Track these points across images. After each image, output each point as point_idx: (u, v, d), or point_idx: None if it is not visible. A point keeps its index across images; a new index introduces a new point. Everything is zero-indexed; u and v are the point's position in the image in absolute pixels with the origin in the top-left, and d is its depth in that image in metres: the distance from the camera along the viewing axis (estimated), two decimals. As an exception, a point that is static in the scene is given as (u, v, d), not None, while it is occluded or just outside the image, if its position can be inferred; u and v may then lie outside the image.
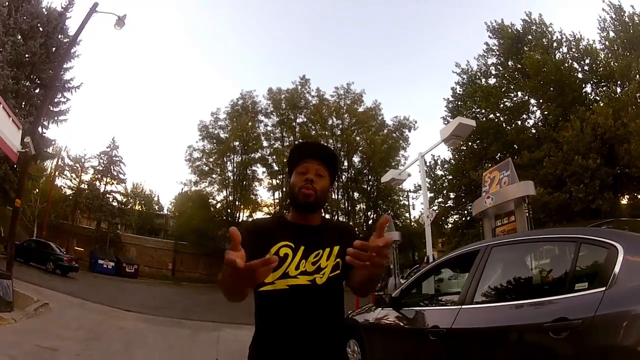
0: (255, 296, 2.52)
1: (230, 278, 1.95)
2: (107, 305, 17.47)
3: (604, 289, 3.45)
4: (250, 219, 53.81)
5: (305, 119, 62.48)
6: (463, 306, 4.99)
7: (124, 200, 63.39)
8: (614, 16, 38.26)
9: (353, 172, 61.28)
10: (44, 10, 36.55)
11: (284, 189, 57.35)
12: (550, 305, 3.90)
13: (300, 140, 53.80)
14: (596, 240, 3.89)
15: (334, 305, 2.52)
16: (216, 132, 61.48)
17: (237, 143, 59.64)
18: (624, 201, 38.55)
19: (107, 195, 58.22)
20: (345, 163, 60.77)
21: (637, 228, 4.35)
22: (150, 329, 13.51)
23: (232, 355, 9.75)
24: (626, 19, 37.07)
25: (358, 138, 60.29)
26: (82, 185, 57.47)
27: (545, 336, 3.69)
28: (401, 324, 6.12)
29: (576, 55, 40.87)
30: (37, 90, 35.26)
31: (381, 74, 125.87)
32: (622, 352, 3.20)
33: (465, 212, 42.68)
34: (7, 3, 30.84)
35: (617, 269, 3.47)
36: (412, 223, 58.74)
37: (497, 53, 46.69)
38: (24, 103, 33.03)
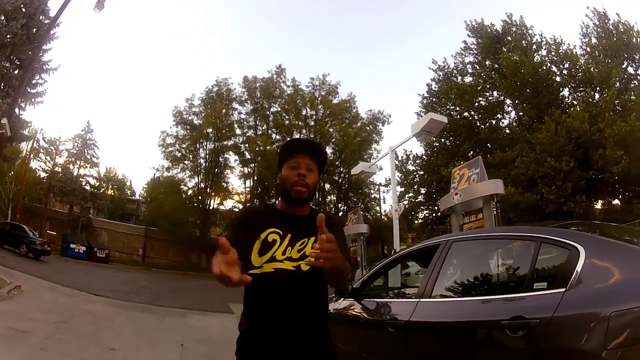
0: None
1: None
2: (78, 289, 17.46)
3: (563, 289, 3.39)
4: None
5: (279, 109, 62.92)
6: (422, 299, 4.99)
7: (97, 184, 63.45)
8: (597, 23, 38.79)
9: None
10: (27, -10, 36.11)
11: (255, 178, 58.91)
12: (508, 303, 3.87)
13: (273, 130, 58.69)
14: (557, 240, 3.86)
15: (318, 291, 2.71)
16: (190, 118, 61.83)
17: (210, 130, 59.85)
18: (598, 205, 39.14)
19: (80, 179, 58.37)
20: (317, 154, 60.61)
21: (606, 232, 4.41)
22: (119, 313, 13.61)
23: (197, 341, 9.84)
24: (610, 27, 37.51)
25: (331, 130, 60.56)
26: (56, 169, 57.33)
27: (502, 334, 3.66)
28: (362, 314, 6.12)
29: (555, 58, 41.12)
30: (16, 72, 35.20)
31: (358, 67, 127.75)
32: (580, 355, 3.14)
33: (436, 207, 42.11)
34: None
35: (578, 270, 3.41)
36: (383, 217, 58.89)
37: (475, 52, 47.12)
38: (2, 84, 32.81)
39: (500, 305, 3.97)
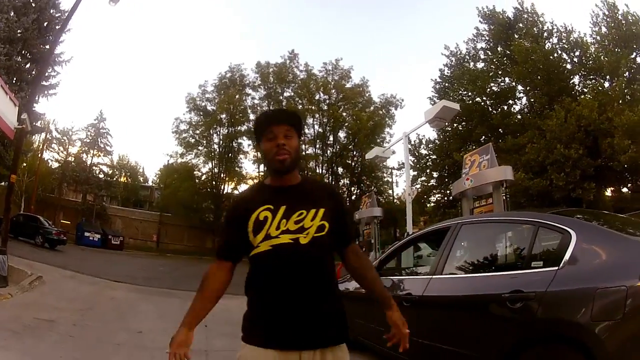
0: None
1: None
2: (98, 276, 17.73)
3: (557, 268, 4.05)
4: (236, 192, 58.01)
5: (292, 93, 63.26)
6: (434, 276, 5.73)
7: (110, 172, 63.83)
8: (607, 13, 38.73)
9: (338, 147, 62.31)
10: (37, -15, 36.08)
11: None
12: (509, 279, 4.56)
13: None
14: (553, 225, 4.55)
15: (321, 265, 2.57)
16: (203, 104, 62.23)
17: (223, 116, 60.32)
18: (608, 193, 39.54)
19: (94, 168, 58.79)
20: (331, 138, 62.05)
21: (598, 219, 5.16)
22: (141, 298, 13.84)
23: (220, 323, 10.09)
24: (619, 17, 37.60)
25: (344, 114, 60.92)
26: (69, 158, 57.63)
27: (503, 305, 4.33)
28: None
29: (566, 46, 41.11)
30: (27, 65, 35.43)
31: (371, 52, 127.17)
32: (570, 325, 3.78)
33: (448, 191, 43.45)
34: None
35: (569, 252, 4.07)
36: (395, 200, 59.65)
37: (487, 38, 47.11)
38: (15, 79, 32.88)
39: (502, 281, 4.67)
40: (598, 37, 39.53)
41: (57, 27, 35.51)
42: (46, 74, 36.17)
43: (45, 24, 36.92)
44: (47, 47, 35.14)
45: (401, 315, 2.84)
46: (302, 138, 57.18)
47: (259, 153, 59.73)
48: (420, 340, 5.40)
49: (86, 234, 41.89)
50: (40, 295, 11.82)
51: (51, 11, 37.54)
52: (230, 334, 9.57)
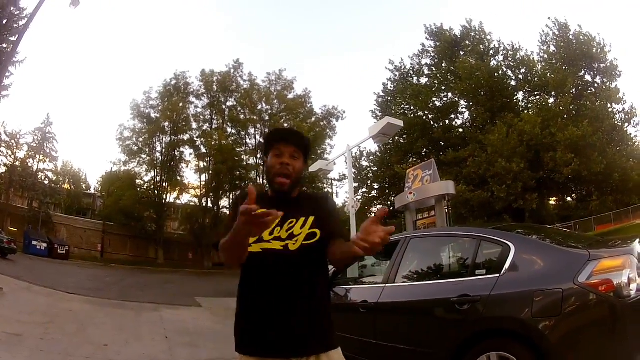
0: None
1: (236, 232, 2.12)
2: (51, 288, 17.61)
3: (498, 275, 4.72)
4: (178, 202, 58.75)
5: (235, 103, 63.82)
6: (387, 285, 6.24)
7: (55, 178, 62.89)
8: (557, 33, 40.31)
9: (279, 158, 62.03)
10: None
11: (210, 172, 59.19)
12: (457, 285, 5.17)
13: (228, 124, 59.48)
14: (493, 239, 5.22)
15: (310, 272, 2.58)
16: (147, 111, 62.18)
17: (167, 123, 60.34)
18: (552, 202, 40.80)
19: (39, 174, 57.39)
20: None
21: (534, 232, 5.93)
22: (96, 310, 13.88)
23: (178, 333, 10.31)
24: (571, 37, 38.97)
25: (286, 124, 60.48)
26: (16, 163, 56.22)
27: (452, 307, 4.94)
28: (335, 300, 6.88)
29: (512, 64, 42.76)
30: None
31: (315, 63, 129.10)
32: (509, 321, 4.49)
33: (389, 202, 44.10)
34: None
35: (509, 261, 4.73)
36: None
37: (432, 54, 48.27)
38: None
39: (450, 287, 5.28)
40: (546, 56, 41.27)
41: (15, 26, 35.19)
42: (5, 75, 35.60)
43: (5, 21, 36.38)
44: (5, 45, 34.65)
45: None
46: (244, 148, 57.37)
47: (200, 163, 60.84)
48: (378, 342, 6.06)
49: (34, 242, 41.07)
50: (3, 308, 11.83)
51: (12, 9, 36.95)
52: (189, 344, 9.82)
